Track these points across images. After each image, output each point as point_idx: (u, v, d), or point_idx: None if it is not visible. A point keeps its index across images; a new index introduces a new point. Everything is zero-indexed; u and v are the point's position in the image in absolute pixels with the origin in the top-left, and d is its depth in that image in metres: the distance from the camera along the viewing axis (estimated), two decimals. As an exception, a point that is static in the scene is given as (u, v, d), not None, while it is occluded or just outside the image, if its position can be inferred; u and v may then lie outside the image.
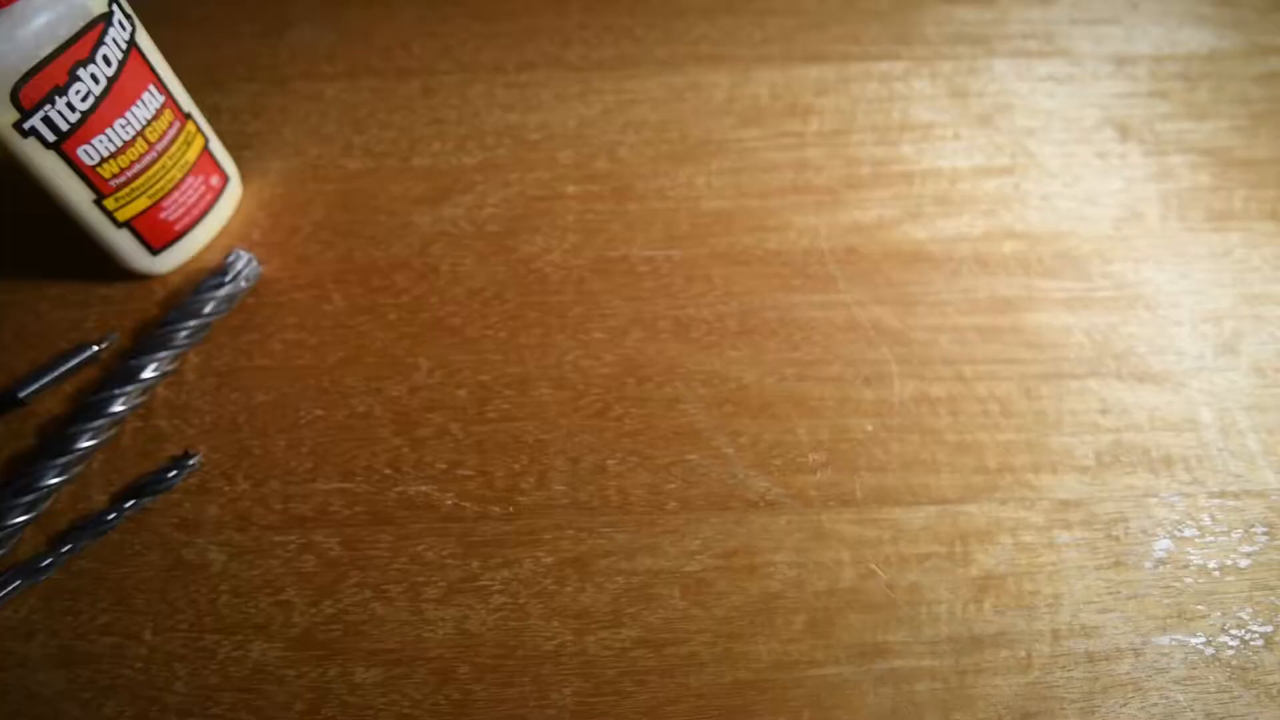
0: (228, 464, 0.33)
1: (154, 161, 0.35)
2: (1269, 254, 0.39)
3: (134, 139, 0.34)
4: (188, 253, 0.39)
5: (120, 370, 0.34)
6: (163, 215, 0.36)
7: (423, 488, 0.33)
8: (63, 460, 0.32)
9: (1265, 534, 0.31)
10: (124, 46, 0.32)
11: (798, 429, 0.34)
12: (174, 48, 0.36)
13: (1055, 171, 0.42)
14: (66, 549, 0.31)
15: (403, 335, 0.37)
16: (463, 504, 0.33)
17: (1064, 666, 0.29)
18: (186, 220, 0.38)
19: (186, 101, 0.37)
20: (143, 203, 0.35)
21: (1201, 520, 0.32)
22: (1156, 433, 0.34)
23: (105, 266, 0.37)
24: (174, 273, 0.39)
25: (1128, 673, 0.29)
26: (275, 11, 0.49)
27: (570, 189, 0.41)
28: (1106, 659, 0.29)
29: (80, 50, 0.31)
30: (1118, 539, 0.31)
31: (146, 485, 0.32)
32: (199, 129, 0.37)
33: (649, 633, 0.30)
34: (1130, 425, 0.34)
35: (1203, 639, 0.29)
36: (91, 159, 0.33)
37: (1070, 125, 0.44)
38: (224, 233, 0.40)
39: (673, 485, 0.33)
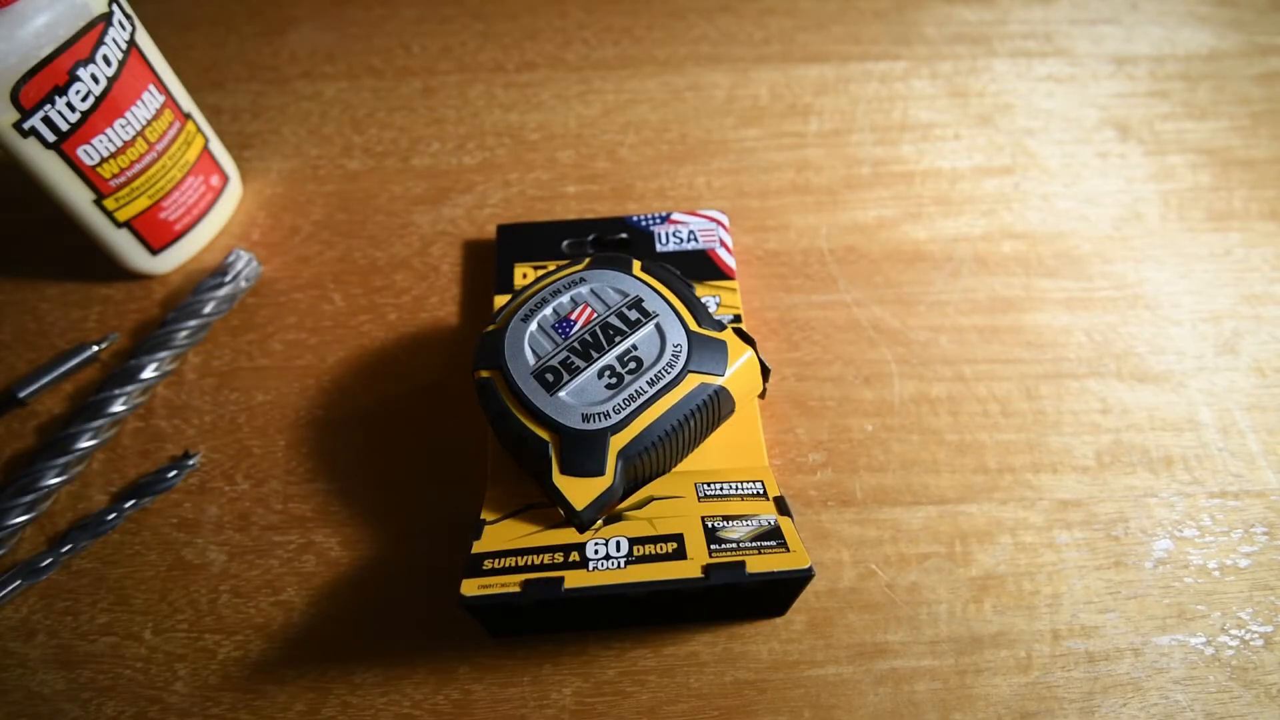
0: (228, 464, 0.33)
1: (154, 161, 0.35)
2: (1269, 254, 0.39)
3: (134, 139, 0.34)
4: (188, 253, 0.39)
5: (120, 370, 0.34)
6: (163, 215, 0.36)
7: (423, 488, 0.33)
8: (63, 460, 0.32)
9: (1265, 534, 0.31)
10: (124, 46, 0.32)
11: (798, 429, 0.34)
12: (174, 48, 0.37)
13: (1055, 171, 0.42)
14: (66, 549, 0.31)
15: (403, 335, 0.37)
16: (463, 504, 0.33)
17: (1064, 666, 0.29)
18: (186, 220, 0.38)
19: (186, 101, 0.37)
20: (143, 203, 0.35)
21: (1201, 520, 0.32)
22: (1156, 433, 0.34)
23: (105, 266, 0.37)
24: (174, 273, 0.39)
25: (1127, 673, 0.29)
26: (275, 11, 0.49)
27: (570, 189, 0.41)
28: (1106, 659, 0.29)
29: (80, 50, 0.31)
30: (1118, 539, 0.31)
31: (146, 485, 0.32)
32: (199, 129, 0.37)
33: (649, 632, 0.30)
34: (1130, 425, 0.34)
35: (1203, 639, 0.29)
36: (91, 159, 0.33)
37: (1070, 125, 0.44)
38: (224, 233, 0.40)
39: (673, 485, 0.33)
